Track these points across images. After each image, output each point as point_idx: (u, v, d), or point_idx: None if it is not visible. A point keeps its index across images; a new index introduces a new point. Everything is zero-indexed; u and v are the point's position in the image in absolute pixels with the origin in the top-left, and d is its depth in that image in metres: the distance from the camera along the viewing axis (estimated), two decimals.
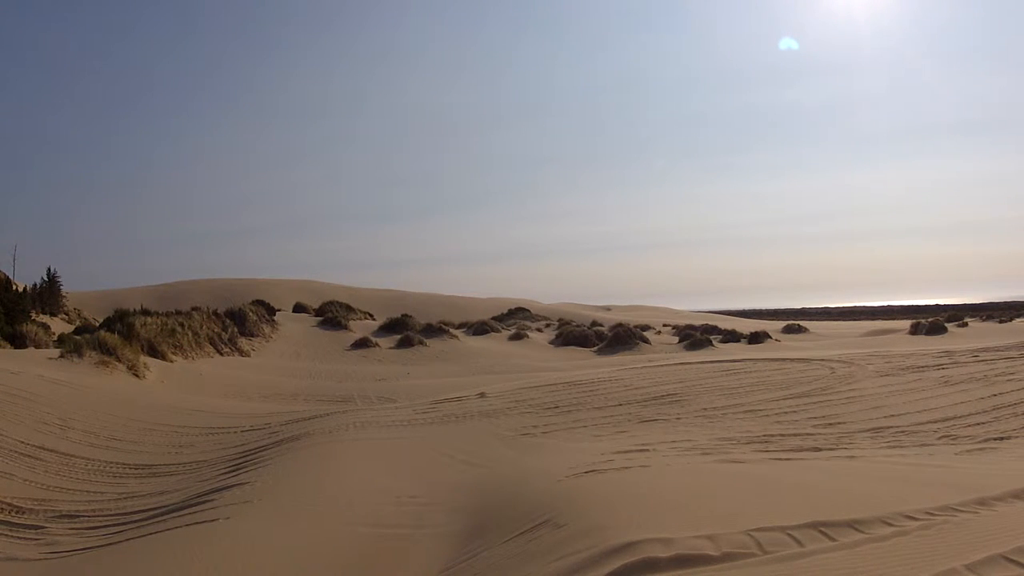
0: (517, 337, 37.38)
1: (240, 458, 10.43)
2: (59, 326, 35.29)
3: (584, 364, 27.06)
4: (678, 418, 11.66)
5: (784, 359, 18.87)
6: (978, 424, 10.73)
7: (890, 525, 4.52)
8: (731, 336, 40.40)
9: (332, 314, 39.74)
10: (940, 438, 9.83)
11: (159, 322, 24.66)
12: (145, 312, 28.84)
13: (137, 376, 18.59)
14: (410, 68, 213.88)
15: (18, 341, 24.21)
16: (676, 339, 39.03)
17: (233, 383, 20.43)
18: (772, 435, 9.99)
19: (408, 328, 34.24)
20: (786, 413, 11.94)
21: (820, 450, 8.88)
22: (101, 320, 33.87)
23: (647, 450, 8.75)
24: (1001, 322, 53.78)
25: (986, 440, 9.59)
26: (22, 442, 10.42)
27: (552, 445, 9.89)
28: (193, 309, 30.92)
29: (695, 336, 37.16)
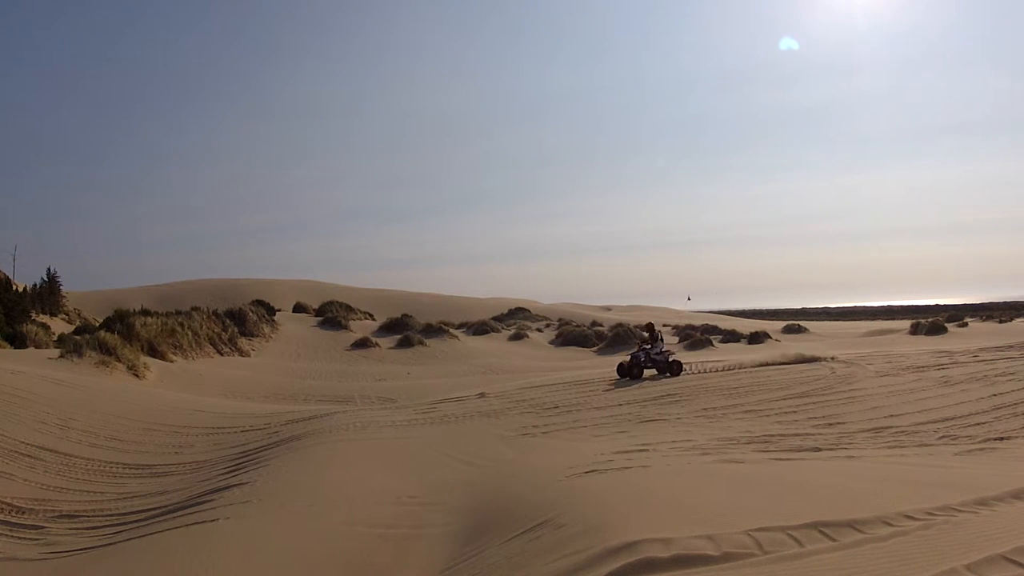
0: (517, 337, 37.37)
1: (240, 458, 10.43)
2: (59, 326, 35.28)
3: (584, 364, 27.06)
4: (678, 418, 11.66)
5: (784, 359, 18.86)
6: (978, 424, 10.73)
7: (890, 525, 4.53)
8: (731, 336, 40.37)
9: (332, 314, 39.74)
10: (940, 438, 9.83)
11: (159, 322, 24.67)
12: (145, 312, 28.84)
13: (137, 376, 18.60)
14: (410, 68, 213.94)
15: (18, 341, 24.22)
16: (676, 339, 39.05)
17: (233, 383, 20.43)
18: (772, 435, 10.00)
19: (408, 328, 34.24)
20: (786, 413, 11.95)
21: (820, 450, 8.89)
22: (101, 320, 33.87)
23: (647, 450, 8.76)
24: (1001, 322, 53.78)
25: (986, 440, 9.59)
26: (22, 442, 10.42)
27: (552, 445, 9.89)
28: (193, 309, 30.92)
29: (695, 336, 37.14)
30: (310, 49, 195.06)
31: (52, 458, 10.20)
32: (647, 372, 15.78)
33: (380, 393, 19.34)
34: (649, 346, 15.79)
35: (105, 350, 18.78)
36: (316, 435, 11.27)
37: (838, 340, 39.17)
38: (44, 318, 36.25)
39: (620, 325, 39.69)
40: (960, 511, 4.89)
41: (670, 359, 15.97)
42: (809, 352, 19.28)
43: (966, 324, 46.91)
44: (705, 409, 12.35)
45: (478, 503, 6.99)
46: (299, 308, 47.03)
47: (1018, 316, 62.36)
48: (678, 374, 15.57)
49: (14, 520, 7.94)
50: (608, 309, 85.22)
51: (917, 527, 4.49)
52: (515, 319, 54.01)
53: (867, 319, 79.81)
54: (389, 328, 35.36)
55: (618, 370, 15.83)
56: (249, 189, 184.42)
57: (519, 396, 14.46)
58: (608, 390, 14.54)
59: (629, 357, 15.82)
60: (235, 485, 8.30)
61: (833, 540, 4.27)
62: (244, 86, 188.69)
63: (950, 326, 41.71)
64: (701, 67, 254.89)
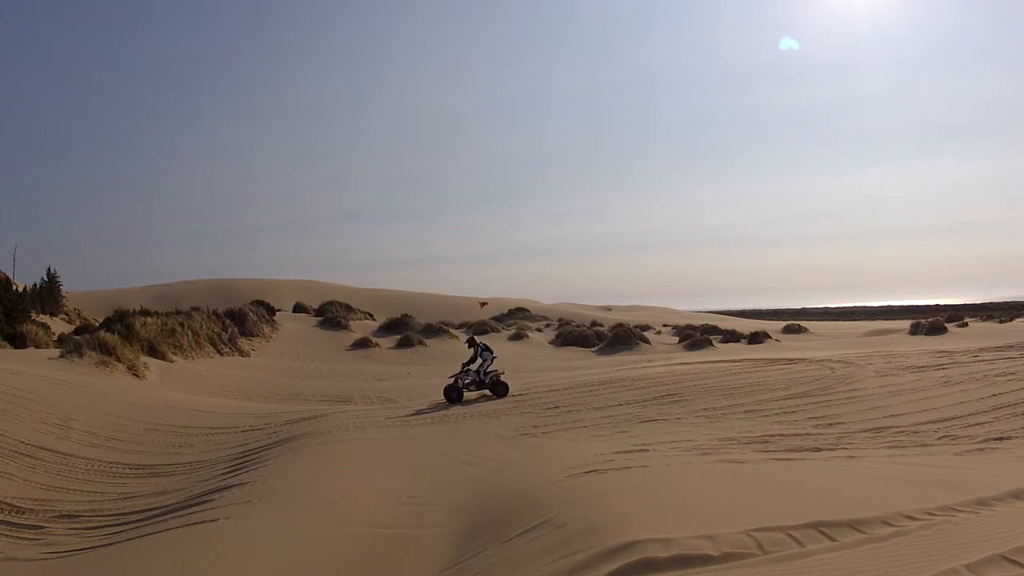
0: (517, 337, 37.36)
1: (240, 458, 10.43)
2: (59, 326, 35.29)
3: (584, 364, 27.06)
4: (678, 418, 11.66)
5: (784, 359, 18.88)
6: (978, 424, 10.73)
7: (890, 525, 4.53)
8: (731, 336, 40.38)
9: (332, 314, 39.73)
10: (940, 438, 9.83)
11: (159, 322, 24.66)
12: (145, 312, 28.82)
13: (137, 376, 18.60)
14: (410, 69, 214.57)
15: (18, 341, 24.22)
16: (676, 339, 39.03)
17: (233, 383, 20.43)
18: (772, 435, 10.00)
19: (408, 328, 34.24)
20: (786, 413, 11.95)
21: (820, 450, 8.89)
22: (101, 320, 33.85)
23: (647, 450, 8.76)
24: (1001, 322, 53.77)
25: (986, 440, 9.59)
26: (22, 442, 10.42)
27: (552, 445, 9.89)
28: (193, 309, 30.90)
29: (695, 336, 37.14)
30: (310, 49, 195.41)
31: (52, 458, 10.19)
32: (476, 393, 14.48)
33: (380, 393, 19.32)
34: (475, 364, 14.31)
35: (105, 350, 18.78)
36: (316, 435, 11.27)
37: (838, 340, 39.14)
38: (44, 318, 36.25)
39: (620, 325, 39.67)
40: (960, 511, 4.88)
41: (499, 378, 14.47)
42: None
43: (966, 324, 46.87)
44: (705, 409, 12.34)
45: (478, 503, 6.99)
46: (299, 308, 47.05)
47: (1018, 316, 62.39)
48: (503, 395, 14.15)
49: (14, 520, 7.94)
50: (608, 309, 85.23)
51: (917, 527, 4.49)
52: (515, 319, 54.01)
53: (867, 319, 79.84)
54: (389, 328, 35.35)
55: (444, 393, 14.31)
56: (249, 189, 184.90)
57: (519, 396, 14.46)
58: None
59: (453, 379, 14.47)
60: (235, 485, 8.30)
61: (833, 540, 4.27)
62: (244, 86, 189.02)
63: (950, 326, 41.67)
64: (701, 67, 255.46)
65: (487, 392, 14.51)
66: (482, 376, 14.24)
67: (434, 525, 6.60)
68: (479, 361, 14.36)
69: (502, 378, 14.58)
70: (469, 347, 14.71)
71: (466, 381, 14.07)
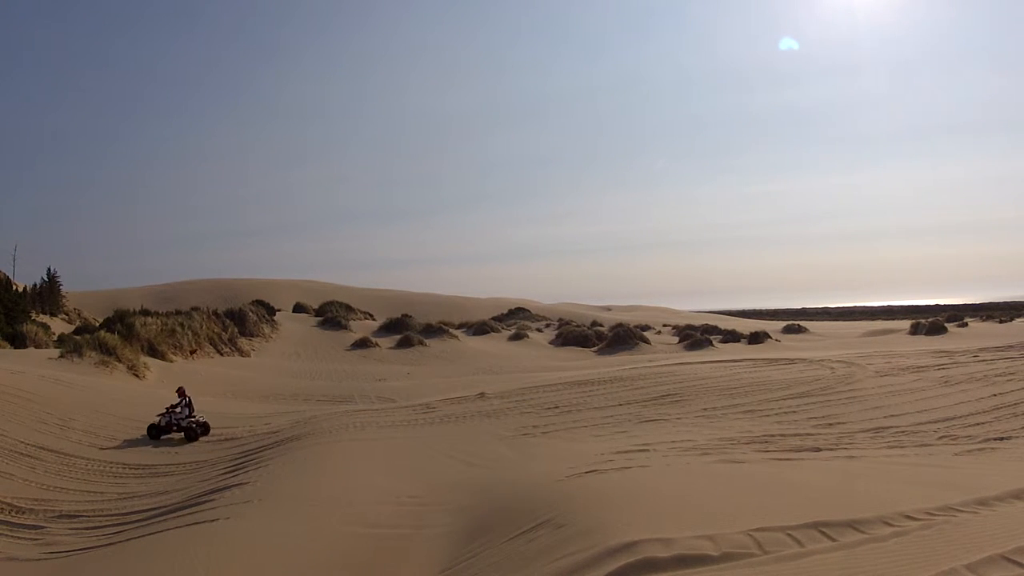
0: (517, 337, 37.35)
1: (240, 458, 10.44)
2: (59, 326, 35.30)
3: (584, 364, 27.06)
4: (678, 418, 11.67)
5: (784, 359, 18.88)
6: (978, 424, 10.74)
7: (890, 525, 4.53)
8: (731, 336, 40.36)
9: (332, 314, 39.73)
10: (940, 438, 9.83)
11: (159, 322, 24.67)
12: (145, 312, 28.85)
13: (137, 376, 18.60)
14: (409, 69, 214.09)
15: (18, 341, 24.23)
16: (676, 339, 39.03)
17: (233, 383, 20.42)
18: (772, 435, 10.00)
19: (408, 328, 34.23)
20: (786, 413, 11.95)
21: (820, 450, 8.89)
22: (101, 320, 33.86)
23: (647, 450, 8.76)
24: (1001, 322, 53.74)
25: (986, 440, 9.60)
26: (22, 442, 10.43)
27: (552, 445, 9.89)
28: (193, 309, 30.92)
29: (695, 336, 37.14)
30: (310, 49, 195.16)
31: (52, 458, 10.20)
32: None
33: (380, 393, 19.33)
34: (177, 410, 13.98)
35: (105, 350, 18.79)
36: (316, 435, 11.27)
37: (838, 340, 39.14)
38: (44, 318, 36.26)
39: (620, 325, 39.67)
40: (960, 511, 4.88)
41: (195, 423, 13.76)
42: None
43: (966, 324, 46.85)
44: (705, 409, 12.35)
45: (478, 503, 6.99)
46: (299, 308, 47.05)
47: (1018, 316, 62.37)
48: (195, 440, 13.43)
49: (14, 520, 7.94)
50: (608, 309, 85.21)
51: (917, 527, 4.49)
52: (515, 319, 54.00)
53: (867, 319, 79.76)
54: (389, 328, 35.34)
55: (147, 431, 13.51)
56: (249, 189, 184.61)
57: (519, 396, 14.47)
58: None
59: (159, 417, 13.89)
60: (235, 485, 8.31)
61: (833, 540, 4.27)
62: (244, 86, 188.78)
63: (950, 326, 41.64)
64: (701, 67, 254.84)
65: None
66: (178, 421, 13.65)
67: (434, 525, 6.60)
68: (178, 409, 14.32)
69: (203, 419, 14.00)
70: (179, 396, 14.66)
71: (170, 420, 13.60)
